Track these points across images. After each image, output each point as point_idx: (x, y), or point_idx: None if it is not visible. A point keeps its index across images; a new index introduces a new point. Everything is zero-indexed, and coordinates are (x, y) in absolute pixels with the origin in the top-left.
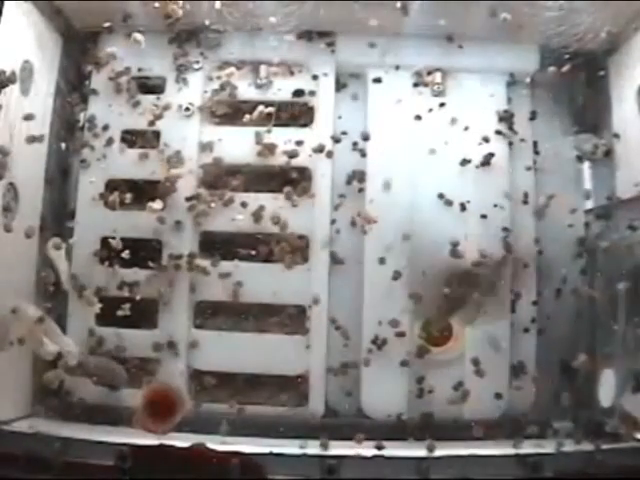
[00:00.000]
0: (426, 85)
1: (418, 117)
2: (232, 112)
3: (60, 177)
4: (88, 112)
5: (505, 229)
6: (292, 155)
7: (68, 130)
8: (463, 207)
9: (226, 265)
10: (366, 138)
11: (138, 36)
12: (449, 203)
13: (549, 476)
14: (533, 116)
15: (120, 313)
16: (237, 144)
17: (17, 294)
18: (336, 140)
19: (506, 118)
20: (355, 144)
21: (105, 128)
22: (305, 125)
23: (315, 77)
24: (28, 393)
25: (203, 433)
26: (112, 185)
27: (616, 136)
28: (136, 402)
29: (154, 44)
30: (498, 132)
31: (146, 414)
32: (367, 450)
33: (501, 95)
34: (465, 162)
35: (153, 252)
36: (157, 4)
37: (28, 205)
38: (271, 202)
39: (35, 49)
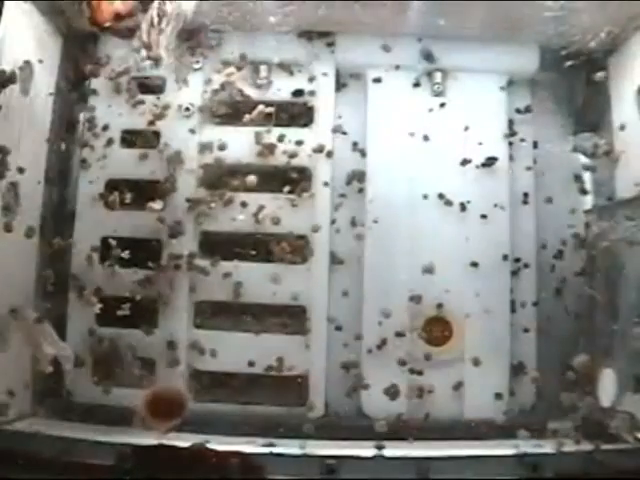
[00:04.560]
0: (426, 85)
1: (418, 117)
2: (232, 112)
3: (60, 177)
4: (88, 112)
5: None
6: (292, 155)
7: (68, 130)
8: (463, 207)
9: (226, 265)
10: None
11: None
12: (449, 203)
13: (549, 476)
14: (528, 109)
15: (120, 313)
16: (237, 144)
17: (17, 294)
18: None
19: (506, 118)
20: (355, 144)
21: (105, 128)
22: (305, 125)
23: (315, 77)
24: (28, 393)
25: (203, 433)
26: (112, 185)
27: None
28: (137, 402)
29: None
30: (498, 132)
31: (149, 414)
32: (367, 450)
33: (501, 95)
34: (465, 162)
35: (153, 252)
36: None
37: (28, 205)
38: (271, 202)
39: (35, 49)
